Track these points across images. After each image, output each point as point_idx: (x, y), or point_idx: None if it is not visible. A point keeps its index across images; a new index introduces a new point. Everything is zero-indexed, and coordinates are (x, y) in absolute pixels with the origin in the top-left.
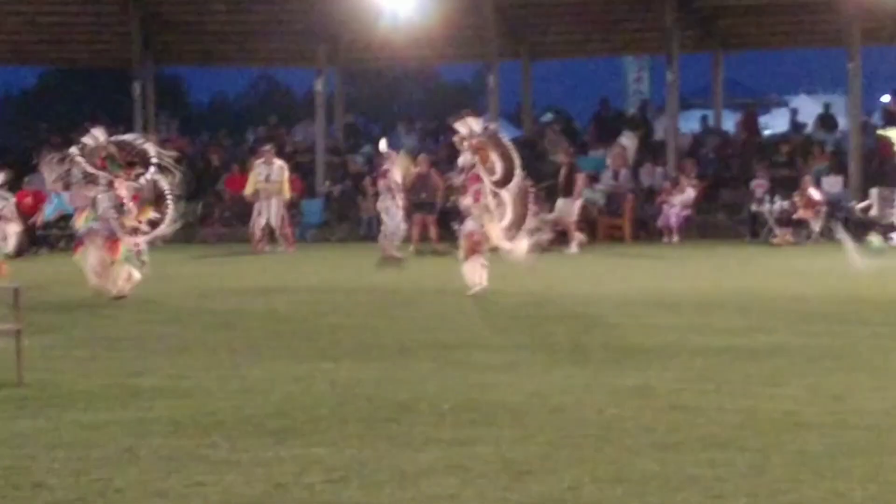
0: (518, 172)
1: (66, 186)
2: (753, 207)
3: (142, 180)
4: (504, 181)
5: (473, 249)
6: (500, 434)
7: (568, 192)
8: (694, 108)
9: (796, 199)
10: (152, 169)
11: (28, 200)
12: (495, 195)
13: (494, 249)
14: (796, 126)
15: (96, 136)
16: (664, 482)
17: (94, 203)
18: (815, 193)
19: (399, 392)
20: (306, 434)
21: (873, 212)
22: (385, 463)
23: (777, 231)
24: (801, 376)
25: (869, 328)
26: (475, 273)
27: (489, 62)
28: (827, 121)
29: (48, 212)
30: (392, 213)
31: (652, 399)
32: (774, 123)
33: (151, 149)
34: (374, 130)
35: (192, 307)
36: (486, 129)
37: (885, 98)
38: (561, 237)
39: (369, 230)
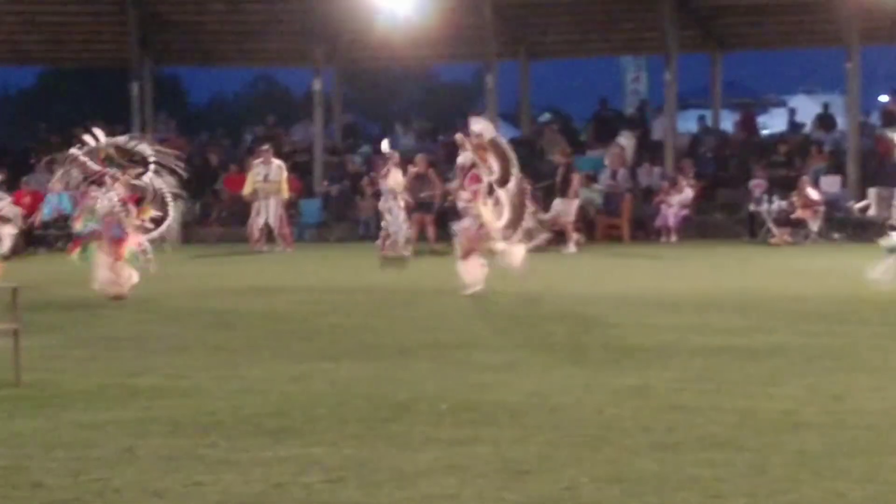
0: (516, 174)
1: (66, 187)
2: (752, 207)
3: (144, 179)
4: (502, 181)
5: (471, 249)
6: (498, 434)
7: (565, 192)
8: (692, 108)
9: (794, 198)
10: (151, 168)
11: (26, 200)
12: (492, 194)
13: (492, 252)
14: (794, 126)
15: (97, 136)
16: (663, 482)
17: (88, 203)
18: (813, 193)
19: (398, 392)
20: (305, 434)
21: (872, 211)
22: (384, 463)
23: (775, 231)
24: (800, 376)
25: (868, 328)
26: (472, 273)
27: (487, 62)
28: (826, 120)
29: (46, 212)
30: (395, 213)
31: (651, 399)
32: (773, 123)
33: (148, 149)
34: (373, 130)
35: (191, 307)
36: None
37: (884, 98)
38: (559, 237)
39: (367, 230)
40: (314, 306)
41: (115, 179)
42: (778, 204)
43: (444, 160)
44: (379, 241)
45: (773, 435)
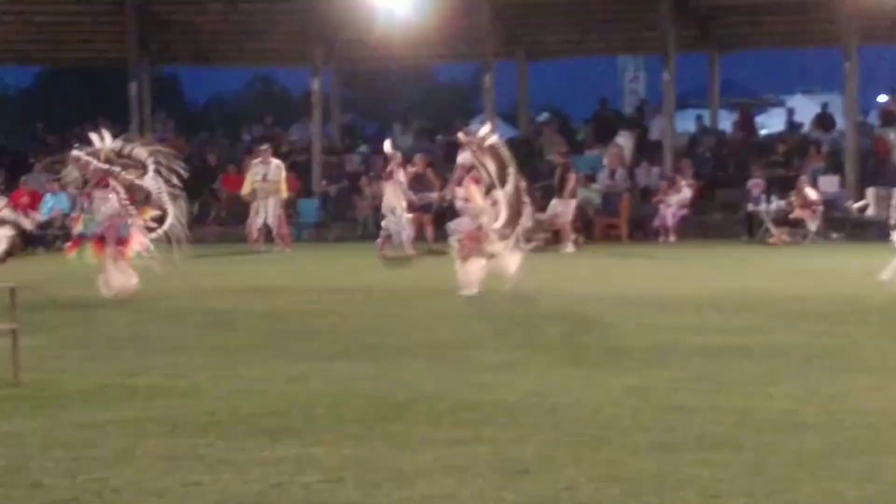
0: (513, 178)
1: (65, 186)
2: (750, 207)
3: (145, 180)
4: (498, 185)
5: (472, 251)
6: (497, 434)
7: (562, 192)
8: (690, 107)
9: (793, 198)
10: (151, 170)
11: (25, 200)
12: (489, 193)
13: (491, 254)
14: (793, 126)
15: (104, 136)
16: (661, 482)
17: (92, 205)
18: (811, 193)
19: (397, 392)
20: (303, 434)
21: (870, 211)
22: (382, 463)
23: (774, 231)
24: (799, 376)
25: (867, 328)
26: (473, 274)
27: (486, 62)
28: (825, 120)
29: (44, 211)
30: (397, 213)
31: (649, 399)
32: (771, 123)
33: (144, 152)
34: (371, 130)
35: (189, 307)
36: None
37: (883, 97)
38: (557, 237)
39: (366, 230)
40: (313, 306)
41: (118, 180)
42: (776, 204)
43: (443, 160)
44: (378, 242)
45: (771, 435)
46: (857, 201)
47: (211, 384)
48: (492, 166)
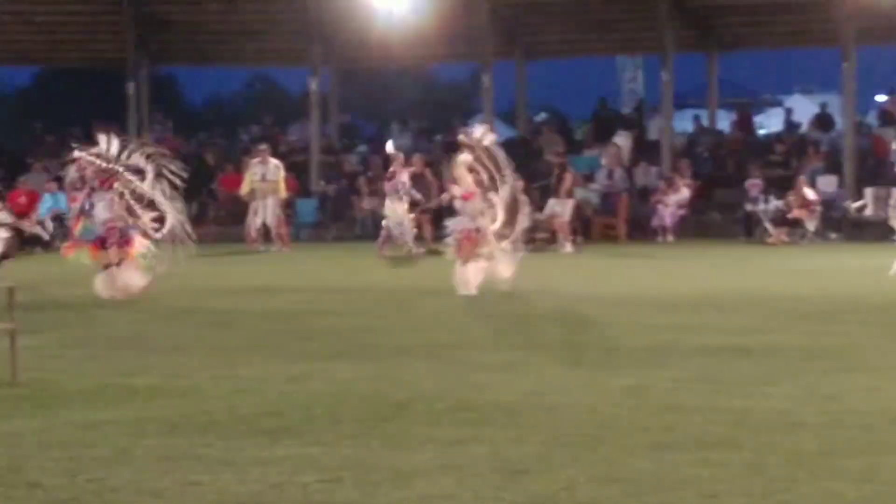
0: (509, 180)
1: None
2: (748, 207)
3: (145, 185)
4: (496, 184)
5: (470, 252)
6: (495, 434)
7: (559, 191)
8: (688, 107)
9: (791, 198)
10: (150, 176)
11: (22, 200)
12: (486, 193)
13: (488, 255)
14: (791, 126)
15: (109, 140)
16: (659, 482)
17: (91, 207)
18: (809, 193)
19: (394, 392)
20: (302, 434)
21: (868, 211)
22: (381, 462)
23: (772, 231)
24: (797, 376)
25: (865, 328)
26: (471, 275)
27: (484, 62)
28: (824, 120)
29: (42, 211)
30: (399, 214)
31: (647, 399)
32: (769, 123)
33: (142, 161)
34: (369, 130)
35: (188, 307)
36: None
37: (882, 97)
38: (554, 237)
39: (364, 230)
40: (311, 306)
41: (121, 181)
42: (774, 204)
43: (442, 160)
44: (379, 242)
45: (769, 434)
46: (855, 201)
47: (210, 384)
48: (489, 167)
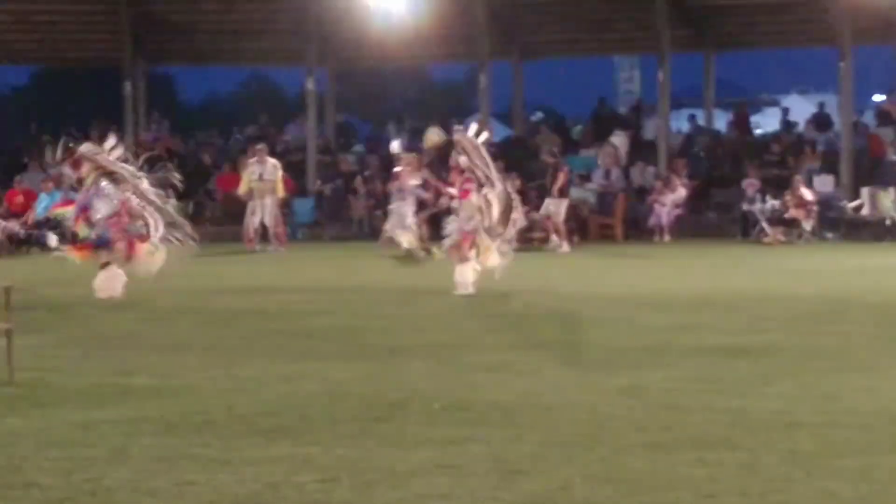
0: (498, 179)
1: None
2: (745, 207)
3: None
4: (490, 182)
5: (468, 250)
6: (491, 433)
7: (552, 191)
8: (685, 107)
9: (787, 198)
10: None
11: (19, 199)
12: (482, 192)
13: (485, 253)
14: (788, 125)
15: (110, 141)
16: (655, 481)
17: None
18: (806, 193)
19: (390, 391)
20: (298, 433)
21: (865, 211)
22: (376, 462)
23: (768, 230)
24: (793, 376)
25: (861, 328)
26: (468, 274)
27: (480, 62)
28: (821, 120)
29: (39, 210)
30: (404, 213)
31: (643, 398)
32: (766, 123)
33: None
34: (366, 130)
35: (183, 306)
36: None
37: (879, 97)
38: (548, 236)
39: (360, 229)
40: (307, 306)
41: (121, 178)
42: (771, 203)
43: (438, 160)
44: (382, 241)
45: (766, 434)
46: (851, 201)
47: (206, 384)
48: (483, 165)
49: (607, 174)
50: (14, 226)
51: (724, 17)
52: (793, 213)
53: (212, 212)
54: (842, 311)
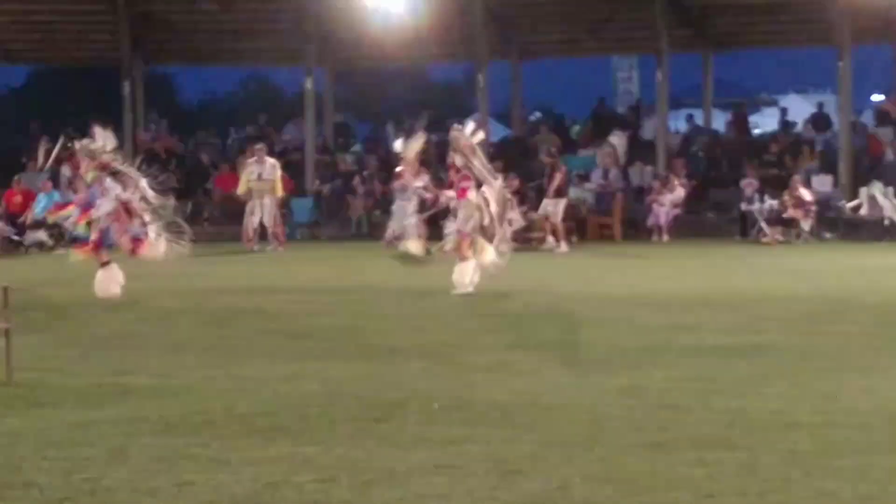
0: (493, 180)
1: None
2: (743, 206)
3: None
4: (485, 182)
5: (468, 249)
6: (489, 433)
7: (548, 191)
8: (683, 107)
9: (786, 198)
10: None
11: (17, 199)
12: (480, 190)
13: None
14: (786, 125)
15: (105, 136)
16: (654, 481)
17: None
18: (804, 193)
19: (389, 391)
20: (296, 433)
21: (863, 211)
22: (375, 462)
23: (767, 230)
24: (792, 376)
25: (859, 327)
26: (467, 273)
27: (479, 62)
28: (820, 120)
29: (37, 210)
30: (408, 212)
31: (642, 398)
32: (764, 123)
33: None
34: (364, 130)
35: (182, 306)
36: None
37: (878, 97)
38: (545, 237)
39: (359, 229)
40: (306, 306)
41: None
42: (769, 203)
43: (436, 160)
44: (385, 241)
45: (764, 434)
46: (850, 201)
47: (204, 384)
48: (479, 164)
49: (606, 174)
50: (5, 228)
51: (723, 17)
52: (791, 212)
53: (210, 212)
54: (840, 311)
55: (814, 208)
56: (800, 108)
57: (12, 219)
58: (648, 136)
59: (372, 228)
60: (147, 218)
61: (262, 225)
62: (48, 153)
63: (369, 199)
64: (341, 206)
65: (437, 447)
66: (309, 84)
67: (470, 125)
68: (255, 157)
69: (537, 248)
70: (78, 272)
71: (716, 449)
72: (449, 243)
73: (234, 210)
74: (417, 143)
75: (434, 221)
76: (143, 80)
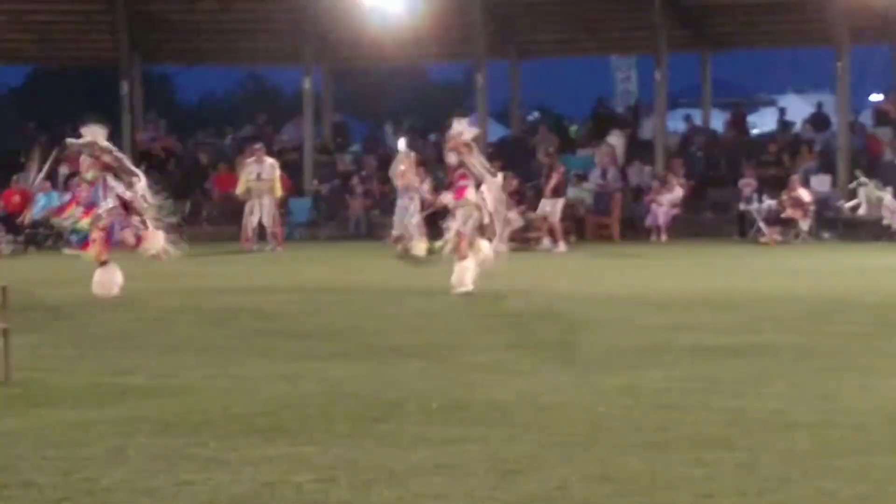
0: (491, 177)
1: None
2: (741, 206)
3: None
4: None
5: (467, 248)
6: (488, 433)
7: (545, 190)
8: (682, 107)
9: (784, 198)
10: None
11: (16, 199)
12: (478, 188)
13: (481, 250)
14: (785, 125)
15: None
16: (652, 481)
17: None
18: (803, 193)
19: (387, 391)
20: (295, 433)
21: (862, 211)
22: (374, 462)
23: (765, 230)
24: (790, 375)
25: (857, 327)
26: (466, 273)
27: (477, 61)
28: (818, 120)
29: (36, 210)
30: (410, 212)
31: (640, 398)
32: (763, 122)
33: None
34: (363, 129)
35: (180, 306)
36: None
37: (877, 97)
38: (548, 235)
39: (357, 229)
40: (304, 305)
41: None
42: (768, 203)
43: (435, 160)
44: (390, 241)
45: (762, 434)
46: (848, 201)
47: (202, 383)
48: (475, 162)
49: (604, 174)
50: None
51: (721, 17)
52: (790, 212)
53: (209, 211)
54: (839, 310)
55: (812, 208)
56: (798, 108)
57: (12, 219)
58: (647, 136)
59: (370, 228)
60: (146, 216)
61: (260, 225)
62: (40, 169)
63: (368, 198)
64: (340, 205)
65: (436, 447)
66: (307, 84)
67: (463, 122)
68: (253, 157)
69: (534, 248)
70: (77, 272)
71: (715, 449)
72: (448, 244)
73: (233, 210)
74: (404, 162)
75: (433, 221)
76: (142, 79)
